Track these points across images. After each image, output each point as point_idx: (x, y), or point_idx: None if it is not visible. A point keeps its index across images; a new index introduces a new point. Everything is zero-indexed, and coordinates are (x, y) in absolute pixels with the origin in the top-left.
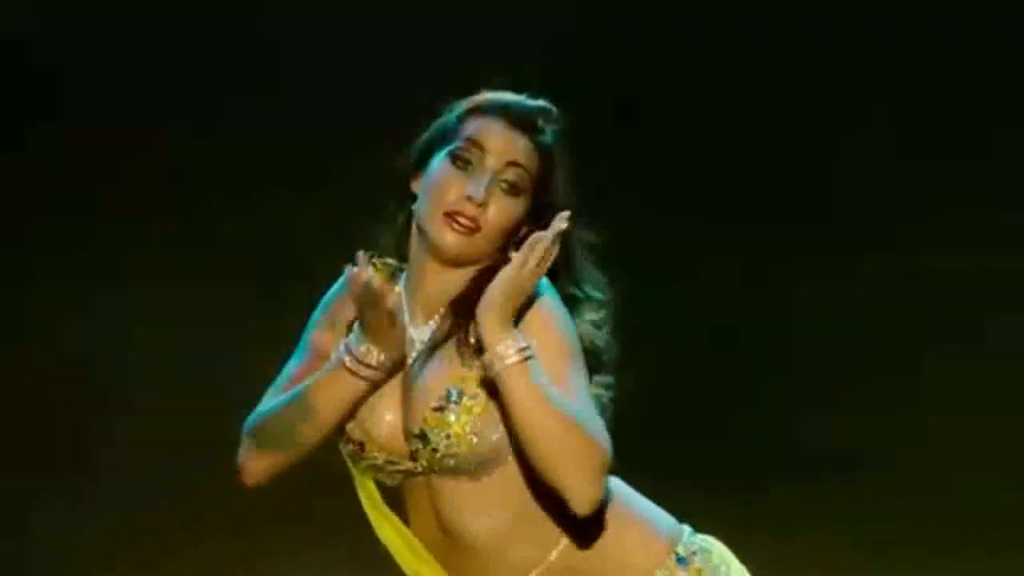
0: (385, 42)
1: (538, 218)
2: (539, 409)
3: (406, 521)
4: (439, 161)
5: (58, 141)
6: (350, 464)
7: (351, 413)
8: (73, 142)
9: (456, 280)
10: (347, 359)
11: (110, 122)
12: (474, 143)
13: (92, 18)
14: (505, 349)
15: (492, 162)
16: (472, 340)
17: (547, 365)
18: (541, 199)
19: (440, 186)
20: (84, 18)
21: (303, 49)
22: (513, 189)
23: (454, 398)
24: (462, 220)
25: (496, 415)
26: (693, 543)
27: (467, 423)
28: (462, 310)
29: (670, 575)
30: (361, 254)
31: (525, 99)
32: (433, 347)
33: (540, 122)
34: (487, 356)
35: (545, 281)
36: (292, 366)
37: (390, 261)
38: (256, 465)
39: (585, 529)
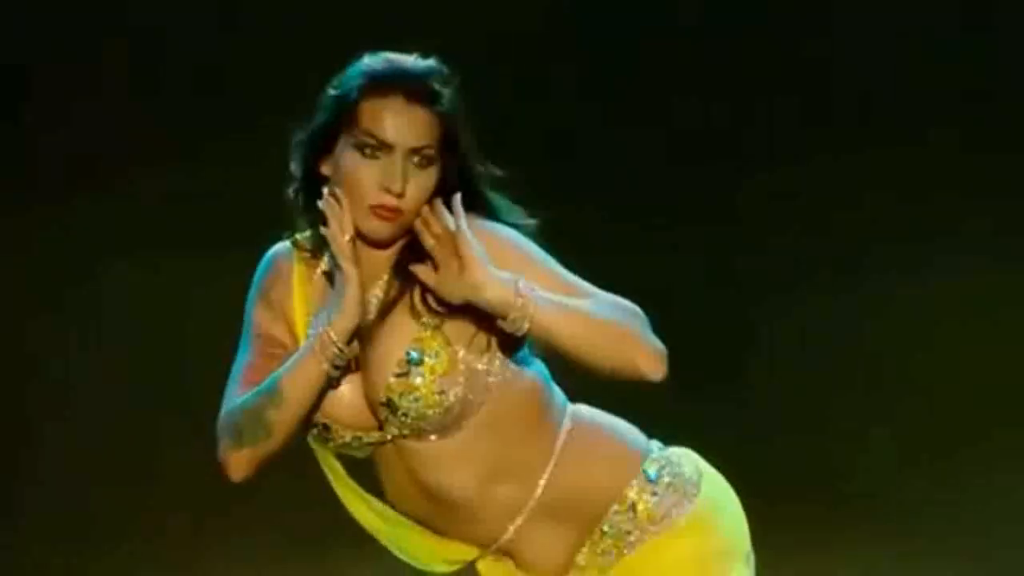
0: None
1: (450, 174)
2: (582, 327)
3: (382, 490)
4: (347, 153)
5: None
6: (315, 445)
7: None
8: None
9: (390, 249)
10: (316, 345)
11: None
12: (374, 133)
13: None
14: (522, 305)
15: (400, 147)
16: (425, 296)
17: (540, 284)
18: (451, 160)
19: (357, 181)
20: None
21: None
22: (425, 162)
23: (415, 360)
24: (386, 212)
25: (459, 367)
26: (661, 457)
27: (432, 382)
28: (405, 270)
29: (640, 492)
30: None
31: (415, 65)
32: (383, 313)
33: (436, 88)
34: (511, 318)
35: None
36: (243, 357)
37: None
38: (238, 460)
39: (562, 460)
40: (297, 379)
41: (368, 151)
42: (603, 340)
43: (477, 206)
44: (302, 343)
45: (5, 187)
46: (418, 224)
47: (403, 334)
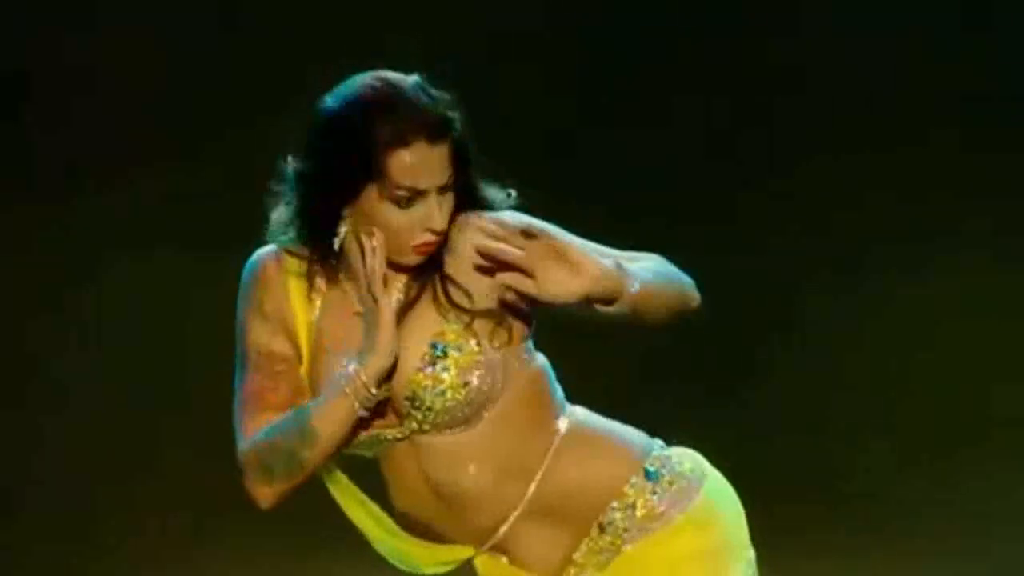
0: None
1: (460, 181)
2: (661, 291)
3: (387, 489)
4: (383, 206)
5: None
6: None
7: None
8: None
9: None
10: (348, 388)
11: None
12: (410, 187)
13: None
14: (627, 285)
15: (433, 189)
16: (448, 292)
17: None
18: (463, 171)
19: (398, 230)
20: None
21: None
22: (445, 192)
23: (439, 352)
24: (426, 249)
25: (481, 358)
26: (663, 456)
27: (457, 375)
28: (427, 268)
29: (640, 490)
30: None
31: (428, 101)
32: (404, 310)
33: (453, 123)
34: (619, 301)
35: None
36: (249, 379)
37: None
38: (269, 494)
39: (556, 459)
40: (329, 420)
41: (404, 203)
42: (671, 297)
43: (478, 201)
44: (304, 350)
45: (5, 187)
46: (493, 247)
47: (425, 328)
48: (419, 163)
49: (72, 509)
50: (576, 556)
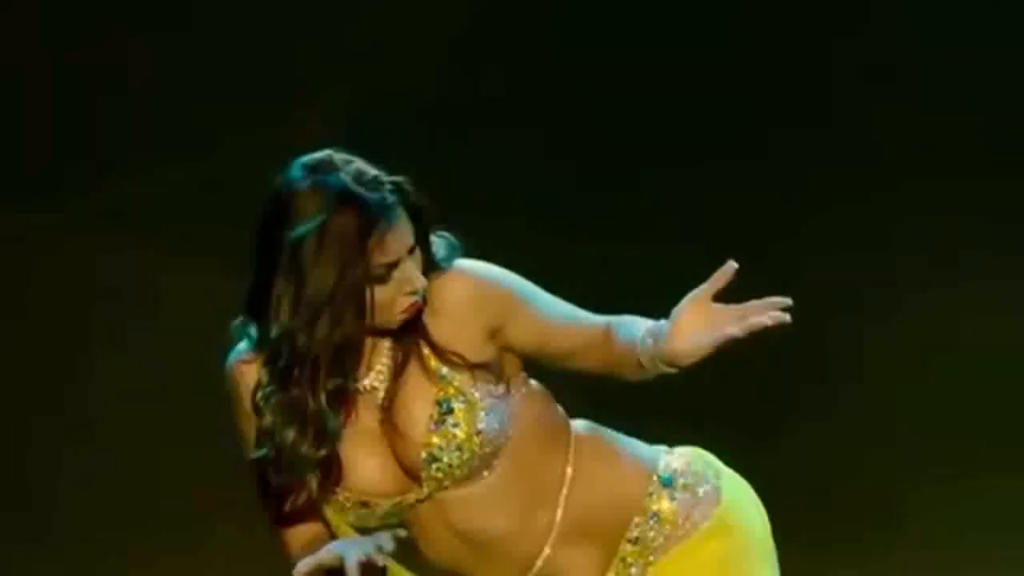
0: None
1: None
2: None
3: (417, 546)
4: (371, 290)
5: None
6: (333, 514)
7: (337, 480)
8: None
9: None
10: None
11: None
12: (383, 265)
13: None
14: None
15: (403, 255)
16: (437, 351)
17: (536, 317)
18: (421, 227)
19: (386, 305)
20: None
21: None
22: (415, 246)
23: (446, 410)
24: (417, 308)
25: (485, 403)
26: (672, 460)
27: (467, 427)
28: (407, 334)
29: (659, 498)
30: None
31: (377, 184)
32: (395, 376)
33: (406, 191)
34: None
35: (441, 253)
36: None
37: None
38: None
39: (576, 476)
40: None
41: (384, 277)
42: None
43: (430, 244)
44: None
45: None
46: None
47: (425, 391)
48: (389, 240)
49: (76, 509)
50: (610, 573)
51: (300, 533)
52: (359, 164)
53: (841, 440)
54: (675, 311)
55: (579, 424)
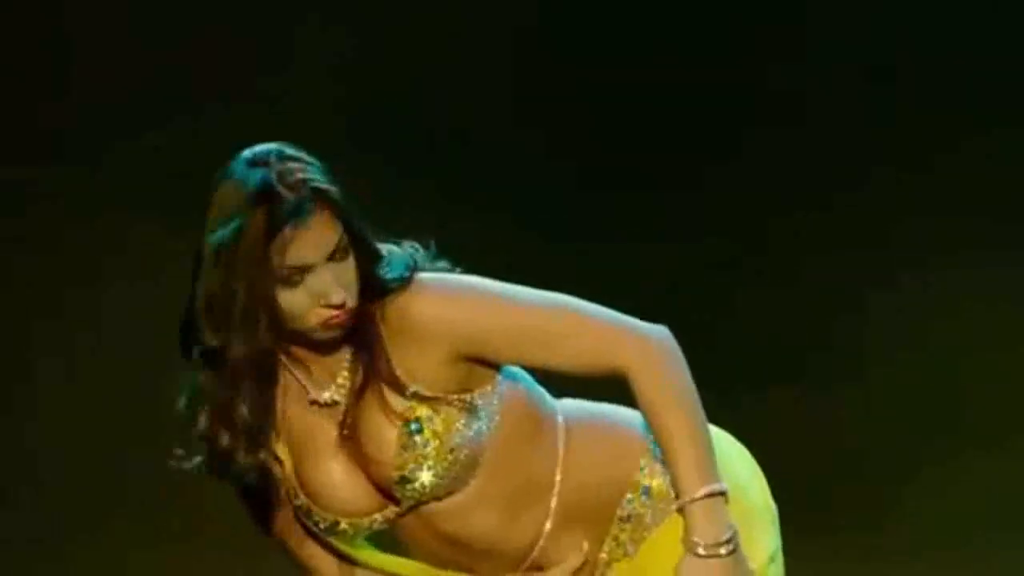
0: None
1: (362, 243)
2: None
3: (405, 551)
4: (280, 296)
5: None
6: (335, 539)
7: (314, 500)
8: None
9: (341, 333)
10: None
11: None
12: (291, 268)
13: None
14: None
15: (319, 263)
16: (396, 370)
17: (503, 323)
18: (357, 233)
19: (298, 313)
20: None
21: None
22: (341, 259)
23: (415, 429)
24: (335, 321)
25: (459, 416)
26: None
27: (440, 445)
28: (366, 349)
29: (651, 472)
30: None
31: (286, 187)
32: (357, 398)
33: (314, 198)
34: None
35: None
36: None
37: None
38: None
39: (566, 464)
40: None
41: (296, 283)
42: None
43: (376, 260)
44: (283, 451)
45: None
46: None
47: (389, 411)
48: (296, 246)
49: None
50: (603, 553)
51: (310, 549)
52: (293, 164)
53: (841, 440)
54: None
55: (567, 405)
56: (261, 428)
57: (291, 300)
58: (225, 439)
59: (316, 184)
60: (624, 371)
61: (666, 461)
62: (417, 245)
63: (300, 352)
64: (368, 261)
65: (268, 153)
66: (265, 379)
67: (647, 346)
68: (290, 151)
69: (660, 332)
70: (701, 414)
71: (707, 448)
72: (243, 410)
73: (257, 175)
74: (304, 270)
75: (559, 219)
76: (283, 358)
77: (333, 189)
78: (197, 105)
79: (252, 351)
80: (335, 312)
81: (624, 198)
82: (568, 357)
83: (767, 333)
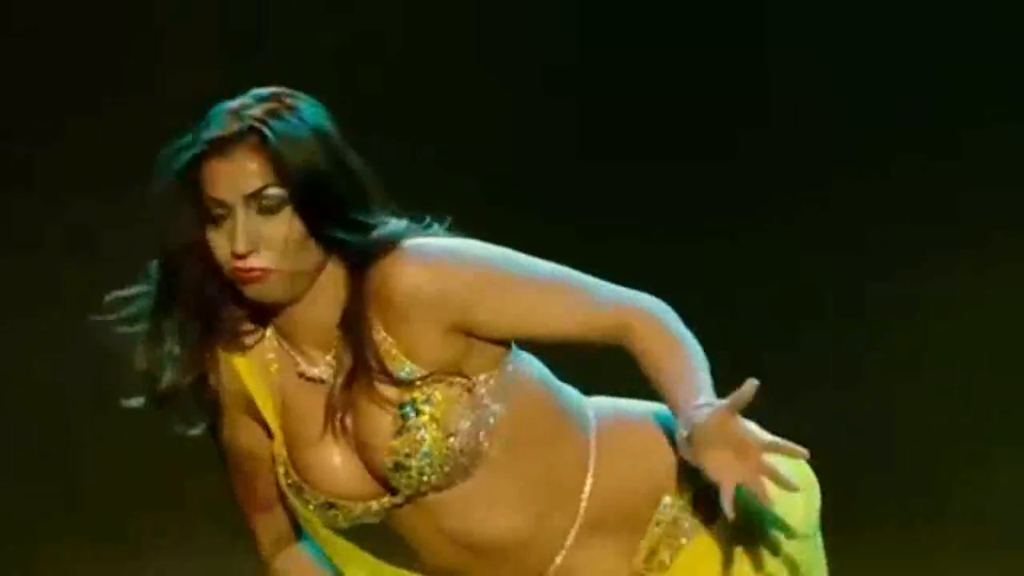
0: None
1: (317, 205)
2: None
3: (409, 552)
4: (208, 229)
5: None
6: (304, 514)
7: (305, 478)
8: None
9: (322, 305)
10: None
11: None
12: (210, 199)
13: None
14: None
15: (235, 204)
16: (391, 349)
17: (523, 307)
18: (306, 192)
19: (219, 254)
20: None
21: None
22: (268, 211)
23: (411, 414)
24: (244, 276)
25: (460, 400)
26: None
27: (437, 431)
28: (353, 329)
29: (690, 475)
30: None
31: (230, 113)
32: (349, 379)
33: (251, 134)
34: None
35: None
36: (239, 483)
37: None
38: None
39: (599, 469)
40: None
41: (215, 221)
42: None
43: (361, 230)
44: (274, 424)
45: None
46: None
47: (384, 393)
48: (214, 175)
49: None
50: (636, 562)
51: (271, 528)
52: (274, 104)
53: (842, 439)
54: (699, 423)
55: (601, 404)
56: (187, 356)
57: (214, 240)
58: (146, 361)
59: (256, 122)
60: (622, 332)
61: (668, 402)
62: (413, 216)
63: (281, 321)
64: (323, 224)
65: (277, 92)
66: (201, 317)
67: (645, 305)
68: (297, 99)
69: (657, 300)
70: (706, 366)
71: (710, 387)
72: (170, 338)
73: (219, 106)
74: (221, 205)
75: (558, 217)
76: (273, 326)
77: (271, 132)
78: None
79: (195, 281)
80: (240, 264)
81: (622, 198)
82: (563, 320)
83: (766, 332)
